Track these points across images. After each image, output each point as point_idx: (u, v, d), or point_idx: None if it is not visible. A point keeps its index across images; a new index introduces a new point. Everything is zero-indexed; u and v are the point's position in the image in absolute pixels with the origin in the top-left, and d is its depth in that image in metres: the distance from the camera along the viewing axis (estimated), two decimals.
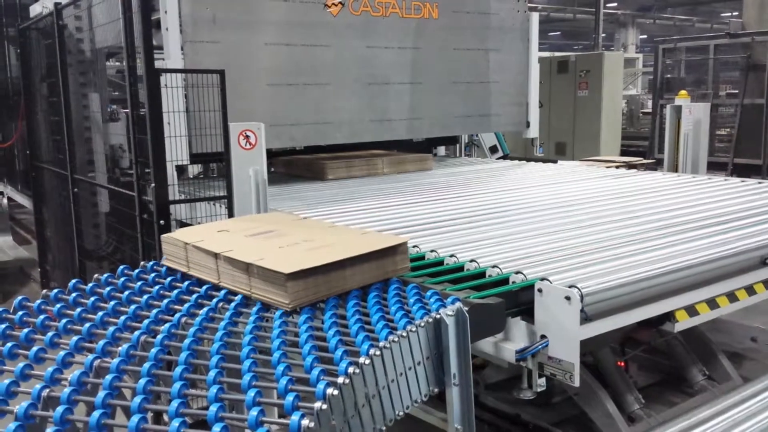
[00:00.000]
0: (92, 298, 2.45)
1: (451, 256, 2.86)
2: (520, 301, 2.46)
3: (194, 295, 2.48)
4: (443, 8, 5.76)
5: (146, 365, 1.91)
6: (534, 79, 6.41)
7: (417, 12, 5.62)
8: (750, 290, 3.00)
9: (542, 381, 2.41)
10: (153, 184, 3.77)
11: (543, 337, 2.36)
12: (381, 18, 5.43)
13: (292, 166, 5.76)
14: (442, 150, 7.01)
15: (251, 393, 1.71)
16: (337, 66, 5.26)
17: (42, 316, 2.32)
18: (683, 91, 6.84)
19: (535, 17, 6.37)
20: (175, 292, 2.53)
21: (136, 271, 2.78)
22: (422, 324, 2.05)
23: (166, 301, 2.43)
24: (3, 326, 2.22)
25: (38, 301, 2.42)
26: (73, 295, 2.49)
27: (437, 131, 6.14)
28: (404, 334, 1.98)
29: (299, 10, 5.04)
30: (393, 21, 5.50)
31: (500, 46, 6.16)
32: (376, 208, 4.06)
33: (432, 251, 2.96)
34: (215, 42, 4.60)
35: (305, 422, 1.58)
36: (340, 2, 5.16)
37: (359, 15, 5.31)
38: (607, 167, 6.09)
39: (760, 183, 4.74)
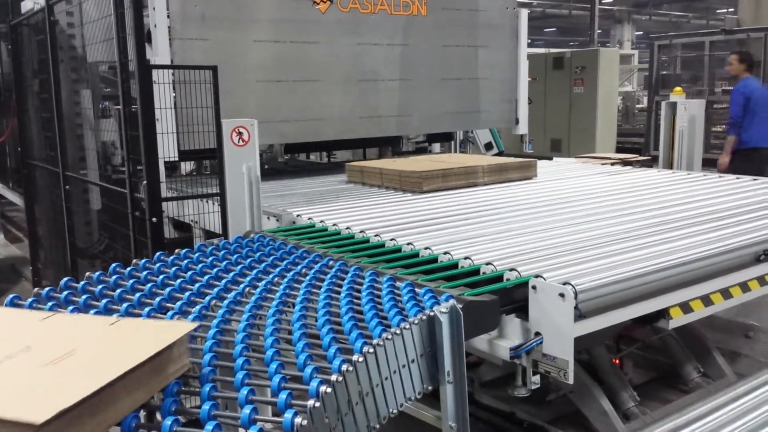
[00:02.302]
0: (84, 296, 2.43)
1: (445, 253, 2.86)
2: (515, 298, 2.46)
3: (187, 293, 2.47)
4: (432, 5, 5.77)
5: None
6: (523, 76, 6.43)
7: (406, 9, 5.63)
8: (744, 287, 3.00)
9: (536, 378, 2.40)
10: (145, 181, 3.75)
11: (537, 334, 2.35)
12: (370, 15, 5.44)
13: (372, 174, 4.87)
14: (437, 147, 7.01)
15: (244, 391, 1.70)
16: (327, 63, 5.27)
17: None
18: (678, 88, 6.85)
19: (524, 14, 6.37)
20: (168, 289, 2.51)
21: (129, 269, 2.76)
22: (416, 321, 2.04)
23: (158, 299, 2.41)
24: None
25: (30, 300, 2.40)
26: (65, 293, 2.46)
27: (427, 128, 6.16)
28: (398, 331, 1.97)
29: (288, 7, 5.05)
30: (382, 18, 5.51)
31: (489, 43, 6.18)
32: (367, 206, 4.05)
33: (426, 248, 2.95)
34: (204, 39, 4.60)
35: (298, 420, 1.57)
36: None
37: (348, 12, 5.31)
38: (603, 164, 6.09)
39: (754, 180, 4.75)
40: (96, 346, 1.71)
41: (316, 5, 5.14)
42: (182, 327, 1.81)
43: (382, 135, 5.84)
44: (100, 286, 2.53)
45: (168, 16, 4.44)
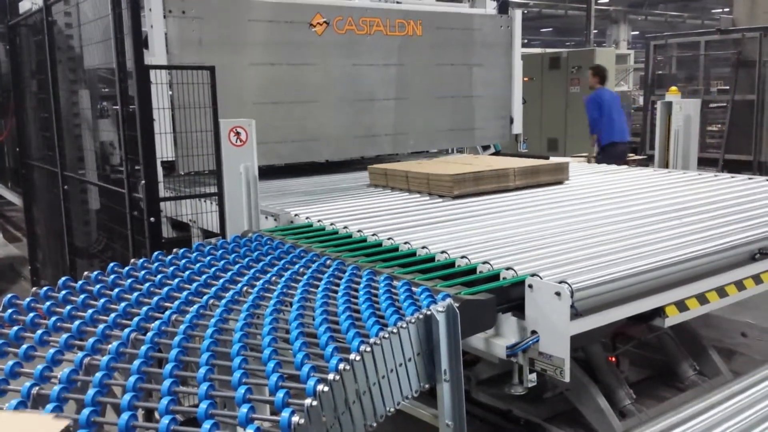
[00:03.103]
0: (82, 296, 2.44)
1: (443, 252, 2.87)
2: (511, 296, 2.47)
3: (185, 292, 2.47)
4: (427, 25, 5.82)
5: (136, 362, 1.90)
6: (517, 88, 6.48)
7: (401, 29, 5.67)
8: (740, 285, 3.02)
9: (533, 376, 2.42)
10: (143, 181, 3.75)
11: (534, 332, 2.36)
12: (365, 36, 5.49)
13: (397, 178, 4.69)
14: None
15: (242, 390, 1.71)
16: (323, 84, 5.32)
17: (32, 314, 2.30)
18: (674, 88, 6.86)
19: (517, 23, 6.37)
20: (166, 289, 2.52)
21: (127, 268, 2.77)
22: (413, 320, 2.05)
23: (156, 298, 2.42)
24: None
25: (28, 299, 2.41)
26: (63, 292, 2.48)
27: (422, 145, 6.22)
28: (395, 330, 1.98)
29: (284, 31, 5.10)
30: (377, 39, 5.56)
31: (483, 61, 6.23)
32: (362, 207, 4.06)
33: (423, 248, 2.96)
34: (201, 63, 4.61)
35: (296, 419, 1.58)
36: (325, 22, 5.19)
37: (344, 34, 5.36)
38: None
39: (750, 179, 4.77)
40: None
41: (312, 28, 5.18)
42: (53, 427, 1.42)
43: (377, 154, 5.93)
44: (98, 286, 2.55)
45: (164, 17, 4.45)
